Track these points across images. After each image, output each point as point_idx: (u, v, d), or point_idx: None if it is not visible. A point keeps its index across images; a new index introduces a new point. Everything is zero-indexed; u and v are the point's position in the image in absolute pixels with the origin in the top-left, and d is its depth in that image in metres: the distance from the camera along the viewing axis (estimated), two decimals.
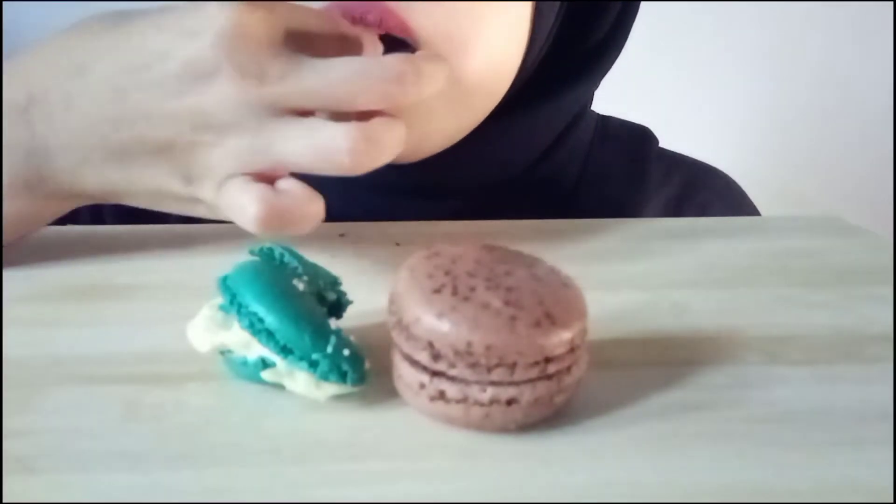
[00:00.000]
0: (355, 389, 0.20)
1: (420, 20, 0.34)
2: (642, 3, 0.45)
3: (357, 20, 0.33)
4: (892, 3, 1.02)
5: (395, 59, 0.25)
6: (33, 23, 0.97)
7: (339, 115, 0.26)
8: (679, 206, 0.49)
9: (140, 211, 0.30)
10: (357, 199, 0.43)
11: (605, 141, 0.50)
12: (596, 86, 0.46)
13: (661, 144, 0.52)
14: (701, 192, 0.51)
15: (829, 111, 1.10)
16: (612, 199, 0.47)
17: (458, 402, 0.19)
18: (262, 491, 0.18)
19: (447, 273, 0.20)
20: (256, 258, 0.23)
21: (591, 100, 0.48)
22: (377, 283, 0.26)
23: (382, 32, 0.34)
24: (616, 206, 0.46)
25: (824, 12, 1.04)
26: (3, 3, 0.94)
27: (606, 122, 0.52)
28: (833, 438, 0.20)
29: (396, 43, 0.34)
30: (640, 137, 0.51)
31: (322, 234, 0.34)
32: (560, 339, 0.19)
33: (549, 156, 0.46)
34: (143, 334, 0.25)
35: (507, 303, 0.19)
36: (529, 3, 0.39)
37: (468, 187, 0.44)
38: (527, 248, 0.23)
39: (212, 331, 0.22)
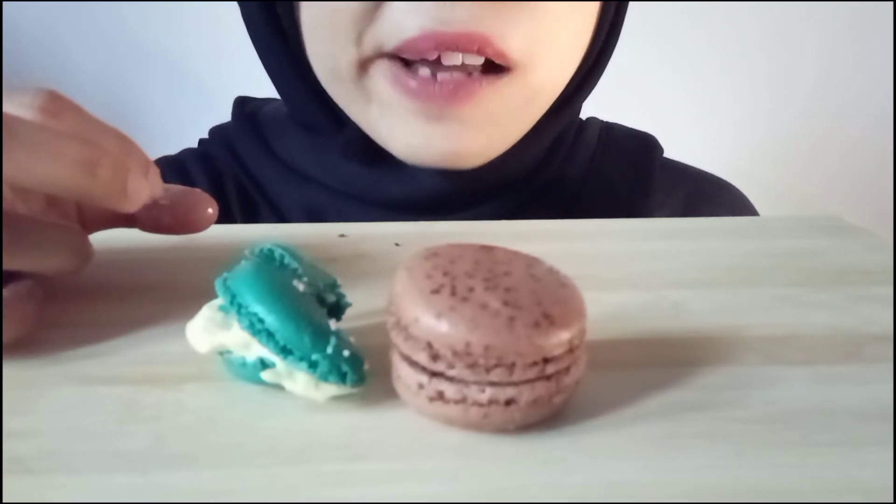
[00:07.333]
0: (354, 390, 0.20)
1: (516, 45, 0.36)
2: (643, 6, 0.46)
3: (457, 49, 0.35)
4: (892, 3, 1.02)
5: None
6: (33, 23, 0.97)
7: None
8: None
9: None
10: (370, 215, 0.43)
11: (608, 149, 0.50)
12: (590, 91, 0.46)
13: (663, 146, 0.52)
14: (706, 205, 0.51)
15: (830, 112, 1.09)
16: (616, 207, 0.47)
17: (456, 402, 0.19)
18: (260, 491, 0.18)
19: (446, 273, 0.20)
20: (256, 259, 0.23)
21: (580, 107, 0.48)
22: (376, 284, 0.26)
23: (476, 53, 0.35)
24: (620, 215, 0.46)
25: (823, 13, 1.04)
26: (3, 2, 0.94)
27: (610, 129, 0.52)
28: (833, 438, 0.20)
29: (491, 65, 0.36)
30: (644, 146, 0.51)
31: (322, 235, 0.34)
32: (559, 339, 0.19)
33: (548, 162, 0.46)
34: (142, 335, 0.25)
35: (505, 303, 0.19)
36: (595, 9, 0.40)
37: (469, 198, 0.44)
38: (526, 249, 0.23)
39: (211, 331, 0.22)
